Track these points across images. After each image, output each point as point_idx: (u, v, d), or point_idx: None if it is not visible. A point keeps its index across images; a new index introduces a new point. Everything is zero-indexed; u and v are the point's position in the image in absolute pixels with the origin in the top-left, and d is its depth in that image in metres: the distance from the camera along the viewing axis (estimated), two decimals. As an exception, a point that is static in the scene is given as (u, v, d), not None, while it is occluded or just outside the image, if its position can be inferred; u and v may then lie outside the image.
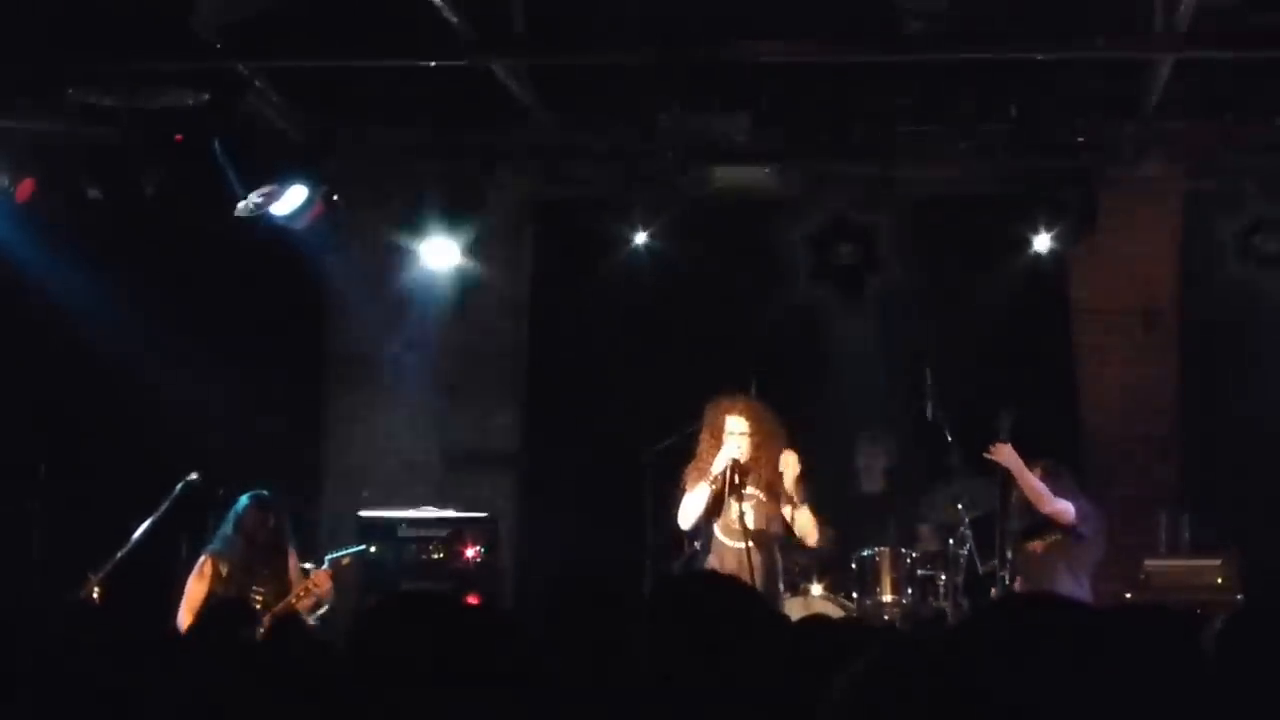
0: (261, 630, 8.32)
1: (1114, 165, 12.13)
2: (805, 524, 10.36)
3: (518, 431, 13.65)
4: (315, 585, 10.87)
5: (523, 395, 13.68)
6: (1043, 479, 10.60)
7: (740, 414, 10.43)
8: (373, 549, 11.89)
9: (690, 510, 10.43)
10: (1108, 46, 10.64)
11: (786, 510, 10.34)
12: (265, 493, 11.04)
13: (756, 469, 10.36)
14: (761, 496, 10.35)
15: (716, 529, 10.45)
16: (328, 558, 11.23)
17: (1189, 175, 12.60)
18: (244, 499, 11.01)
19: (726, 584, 4.40)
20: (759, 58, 10.88)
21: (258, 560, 10.96)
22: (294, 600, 10.76)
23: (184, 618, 10.70)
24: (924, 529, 11.91)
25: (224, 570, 10.91)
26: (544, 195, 13.28)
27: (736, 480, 10.28)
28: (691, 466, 10.56)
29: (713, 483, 10.30)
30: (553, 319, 13.56)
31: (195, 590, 10.87)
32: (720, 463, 10.28)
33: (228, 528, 10.98)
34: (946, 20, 10.17)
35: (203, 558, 10.95)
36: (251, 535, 10.94)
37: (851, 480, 12.42)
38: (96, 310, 12.25)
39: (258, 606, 10.48)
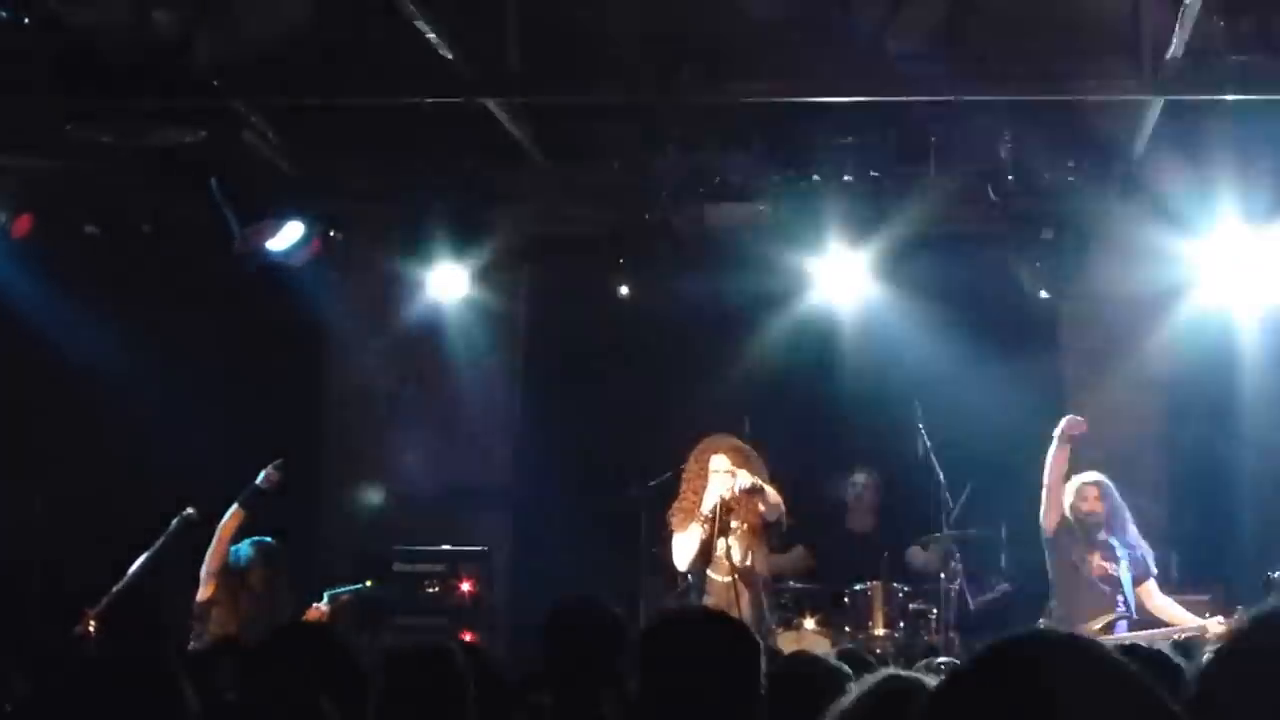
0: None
1: (1104, 205, 12.19)
2: (771, 500, 10.41)
3: (512, 467, 13.68)
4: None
5: (518, 431, 13.72)
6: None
7: (726, 453, 10.49)
8: (368, 584, 11.91)
9: (684, 552, 10.49)
10: (1097, 88, 10.75)
11: (760, 507, 10.39)
12: (270, 541, 11.11)
13: (740, 507, 10.43)
14: (744, 530, 10.43)
15: (707, 567, 10.52)
16: (327, 594, 11.28)
17: (1176, 214, 12.64)
18: (246, 545, 11.08)
19: (718, 619, 4.46)
20: (753, 97, 10.97)
21: (256, 606, 11.00)
22: None
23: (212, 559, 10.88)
24: (914, 549, 12.02)
25: (236, 585, 11.01)
26: (540, 233, 13.33)
27: (723, 518, 10.35)
28: (676, 507, 10.63)
29: (704, 524, 10.36)
30: (548, 356, 13.62)
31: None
32: (709, 503, 10.33)
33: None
34: (936, 59, 10.27)
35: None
36: (249, 578, 11.00)
37: (843, 516, 12.51)
38: (93, 345, 12.26)
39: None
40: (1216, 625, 10.27)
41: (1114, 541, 10.87)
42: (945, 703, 2.14)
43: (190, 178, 11.42)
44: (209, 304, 12.79)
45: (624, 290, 12.47)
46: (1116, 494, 10.98)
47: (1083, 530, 10.88)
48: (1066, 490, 10.90)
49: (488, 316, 13.40)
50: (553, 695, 5.23)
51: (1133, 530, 10.97)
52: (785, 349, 12.82)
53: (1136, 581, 10.87)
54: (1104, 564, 10.82)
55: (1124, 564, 10.81)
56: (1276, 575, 10.77)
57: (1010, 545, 11.68)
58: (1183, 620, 10.72)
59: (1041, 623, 11.03)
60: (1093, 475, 11.02)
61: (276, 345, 13.16)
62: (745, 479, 10.29)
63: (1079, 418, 10.93)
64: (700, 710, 4.10)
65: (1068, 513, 10.89)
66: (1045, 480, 10.89)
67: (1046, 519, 10.90)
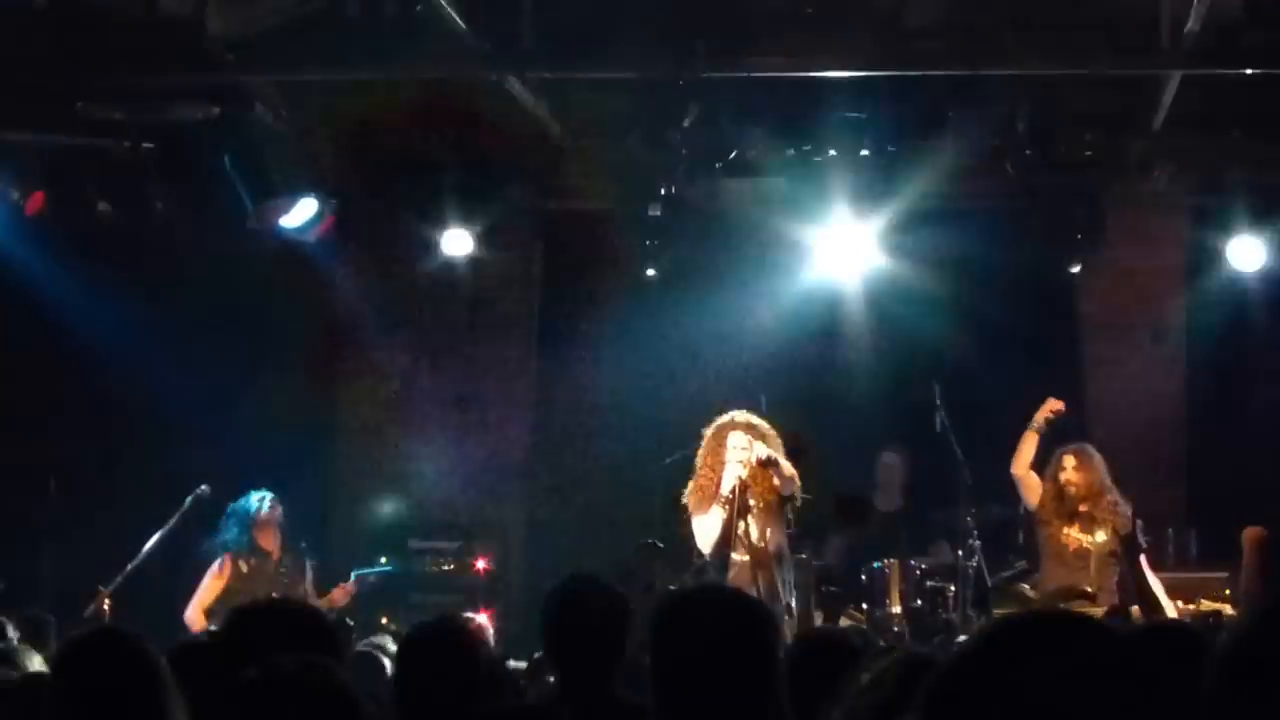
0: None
1: (1121, 180, 12.14)
2: (786, 473, 10.33)
3: (527, 444, 13.65)
4: (332, 602, 10.89)
5: (532, 407, 13.69)
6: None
7: (743, 431, 10.40)
8: (383, 560, 11.89)
9: (707, 535, 10.39)
10: (1115, 64, 10.68)
11: (776, 482, 10.32)
12: (270, 493, 11.09)
13: (756, 484, 10.35)
14: (761, 507, 10.36)
15: (729, 548, 10.46)
16: (354, 573, 11.27)
17: (1195, 190, 12.61)
18: (252, 497, 11.04)
19: (734, 596, 4.43)
20: (768, 72, 10.91)
21: (273, 560, 10.99)
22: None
23: (194, 615, 10.76)
24: (941, 545, 11.97)
25: (244, 567, 10.96)
26: (554, 208, 13.29)
27: (742, 498, 10.27)
28: (693, 486, 10.53)
29: (724, 505, 10.27)
30: (562, 332, 13.58)
31: (212, 587, 10.90)
32: (729, 483, 10.25)
33: (236, 530, 11.01)
34: (956, 35, 10.22)
35: (222, 557, 10.95)
36: (263, 533, 10.98)
37: (866, 495, 12.48)
38: (106, 323, 12.25)
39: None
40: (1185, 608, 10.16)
41: (1094, 514, 10.70)
42: (946, 685, 2.09)
43: (203, 155, 11.37)
44: (221, 281, 12.76)
45: (639, 264, 12.39)
46: (1098, 461, 10.78)
47: (1062, 503, 10.71)
48: (1049, 463, 10.76)
49: (502, 294, 13.37)
50: (558, 675, 5.20)
51: (1114, 500, 10.75)
52: (803, 326, 12.77)
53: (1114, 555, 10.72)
54: (1080, 536, 10.67)
55: (1102, 537, 10.63)
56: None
57: (1028, 522, 11.62)
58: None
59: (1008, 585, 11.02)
60: (1072, 445, 10.87)
61: (290, 323, 13.12)
62: (761, 450, 10.22)
63: (1059, 402, 10.81)
64: (717, 688, 4.07)
65: (1048, 485, 10.75)
66: (1015, 470, 10.79)
67: (1029, 497, 10.80)
